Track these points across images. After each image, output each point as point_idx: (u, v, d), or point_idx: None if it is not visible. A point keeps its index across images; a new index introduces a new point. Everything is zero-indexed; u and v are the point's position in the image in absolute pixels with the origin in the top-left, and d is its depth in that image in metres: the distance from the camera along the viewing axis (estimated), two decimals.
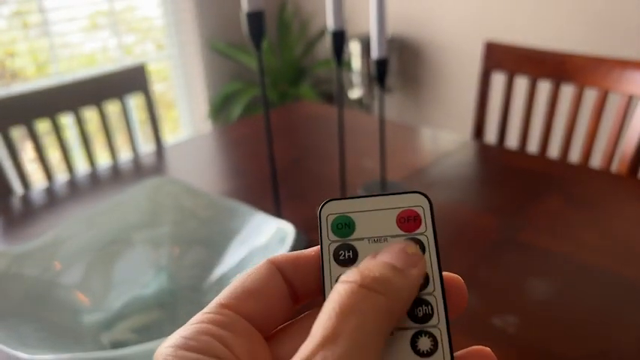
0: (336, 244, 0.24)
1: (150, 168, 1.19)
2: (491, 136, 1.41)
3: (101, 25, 2.21)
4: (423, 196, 0.24)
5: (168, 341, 0.21)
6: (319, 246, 0.24)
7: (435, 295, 0.22)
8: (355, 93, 2.41)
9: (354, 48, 2.32)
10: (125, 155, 1.37)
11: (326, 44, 2.61)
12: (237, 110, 2.37)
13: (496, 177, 1.04)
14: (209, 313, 0.22)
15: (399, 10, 2.31)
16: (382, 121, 0.91)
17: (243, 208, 0.71)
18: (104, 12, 2.19)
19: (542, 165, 1.06)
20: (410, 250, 0.22)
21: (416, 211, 0.23)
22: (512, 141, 1.38)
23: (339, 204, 0.24)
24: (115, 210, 0.72)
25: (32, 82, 2.11)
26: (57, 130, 1.22)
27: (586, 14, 1.82)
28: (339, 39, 0.82)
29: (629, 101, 1.15)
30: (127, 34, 2.31)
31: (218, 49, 2.47)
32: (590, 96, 1.24)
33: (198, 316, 0.22)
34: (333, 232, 0.24)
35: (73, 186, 1.12)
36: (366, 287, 0.20)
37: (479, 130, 1.37)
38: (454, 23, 2.17)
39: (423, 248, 0.23)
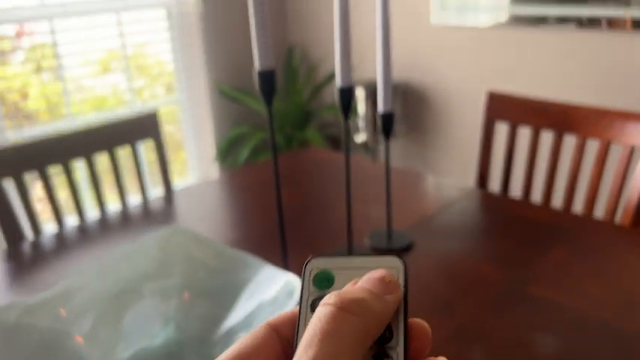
0: (314, 296, 0.25)
1: (159, 214, 1.20)
2: (495, 184, 1.43)
3: (113, 69, 2.28)
4: (398, 260, 0.26)
5: None
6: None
7: (397, 352, 0.23)
8: (360, 137, 2.45)
9: (359, 93, 2.37)
10: (134, 197, 1.39)
11: (332, 89, 2.66)
12: (244, 153, 2.41)
13: (500, 227, 1.05)
14: None
15: (403, 57, 2.37)
16: (388, 172, 0.92)
17: (252, 260, 0.72)
18: (116, 55, 2.26)
19: (546, 215, 1.08)
20: (387, 278, 0.24)
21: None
22: (516, 190, 1.39)
23: (324, 260, 0.26)
24: (126, 259, 0.74)
25: (44, 123, 2.15)
26: (68, 172, 1.25)
27: (589, 66, 1.87)
28: (347, 95, 0.85)
29: (631, 152, 1.17)
30: (138, 77, 2.37)
31: (226, 93, 2.52)
32: (593, 147, 1.26)
33: None
34: (314, 285, 0.26)
35: (83, 231, 1.13)
36: (345, 310, 0.22)
37: (483, 178, 1.39)
38: (458, 71, 2.22)
39: None
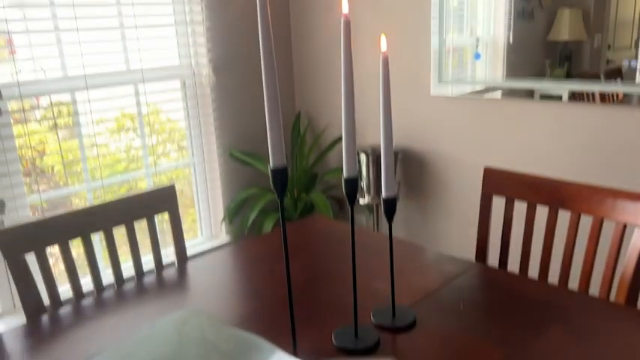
0: None
1: (172, 284, 1.26)
2: (494, 255, 1.49)
3: (128, 129, 2.38)
4: None
5: None
6: None
7: None
8: (363, 200, 2.52)
9: (362, 158, 2.46)
10: (148, 260, 1.46)
11: (336, 153, 2.76)
12: (253, 214, 2.48)
13: (500, 305, 1.10)
14: None
15: (404, 125, 2.47)
16: (391, 255, 0.98)
17: (263, 343, 0.77)
18: (132, 117, 2.36)
19: (543, 292, 1.13)
20: None
21: None
22: (514, 262, 1.45)
23: None
24: (146, 343, 0.79)
25: (60, 180, 2.23)
26: (86, 244, 1.31)
27: (582, 137, 1.95)
28: (353, 185, 0.92)
29: (624, 229, 1.23)
30: (152, 138, 2.47)
31: (236, 157, 2.62)
32: (587, 222, 1.32)
33: None
34: None
35: (100, 303, 1.19)
36: None
37: (482, 251, 1.44)
38: (455, 140, 2.31)
39: None
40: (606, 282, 1.23)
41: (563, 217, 1.38)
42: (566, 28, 1.93)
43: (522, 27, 2.03)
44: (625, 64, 1.80)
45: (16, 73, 1.91)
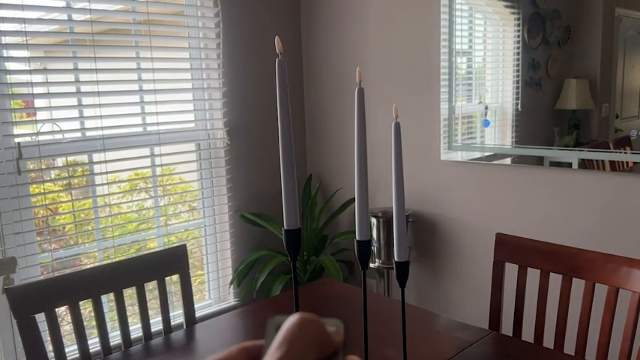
0: None
1: (181, 347, 1.24)
2: (508, 322, 1.46)
3: (141, 189, 2.41)
4: (339, 321, 0.34)
5: None
6: None
7: None
8: (374, 264, 2.50)
9: (373, 221, 2.46)
10: (156, 322, 1.44)
11: (346, 215, 2.77)
12: (261, 277, 2.46)
13: None
14: None
15: (414, 188, 2.49)
16: (404, 325, 0.97)
17: None
18: (145, 178, 2.40)
19: None
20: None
21: None
22: (528, 330, 1.42)
23: (283, 317, 0.33)
24: None
25: (71, 240, 2.24)
26: (96, 304, 1.30)
27: (592, 205, 1.95)
28: (365, 248, 0.92)
29: None
30: (164, 198, 2.50)
31: (247, 218, 2.63)
32: (602, 291, 1.30)
33: None
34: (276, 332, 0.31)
35: None
36: None
37: (495, 319, 1.42)
38: (467, 205, 2.32)
39: None
40: (624, 354, 1.19)
41: (578, 285, 1.36)
42: (573, 97, 1.97)
43: (530, 95, 2.08)
44: (632, 133, 1.82)
45: (37, 135, 1.97)
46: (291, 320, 0.30)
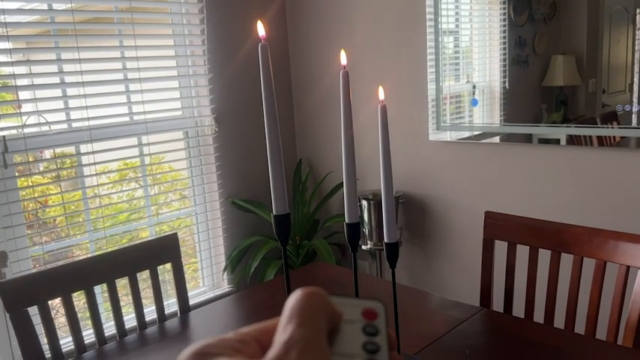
0: None
1: (175, 335, 1.25)
2: (499, 299, 1.47)
3: (130, 179, 2.40)
4: (380, 302, 0.32)
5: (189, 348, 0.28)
6: None
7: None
8: (366, 246, 2.52)
9: (364, 203, 2.47)
10: (150, 311, 1.44)
11: (337, 199, 2.77)
12: (255, 263, 2.47)
13: (505, 349, 1.08)
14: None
15: (403, 169, 2.49)
16: (395, 301, 0.98)
17: None
18: (135, 167, 2.39)
19: (549, 336, 1.11)
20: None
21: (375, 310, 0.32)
22: (519, 306, 1.43)
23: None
24: None
25: (62, 232, 2.24)
26: (89, 296, 1.30)
27: (580, 180, 1.97)
28: (355, 231, 0.93)
29: (627, 272, 1.23)
30: (154, 187, 2.49)
31: (238, 205, 2.63)
32: (590, 265, 1.32)
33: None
34: None
35: (102, 354, 1.17)
36: None
37: (486, 296, 1.43)
38: (456, 185, 2.33)
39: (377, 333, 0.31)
40: (613, 325, 1.22)
41: (566, 260, 1.38)
42: (560, 73, 1.98)
43: (517, 73, 2.08)
44: (619, 108, 1.83)
45: (22, 127, 1.95)
46: (296, 294, 0.30)
